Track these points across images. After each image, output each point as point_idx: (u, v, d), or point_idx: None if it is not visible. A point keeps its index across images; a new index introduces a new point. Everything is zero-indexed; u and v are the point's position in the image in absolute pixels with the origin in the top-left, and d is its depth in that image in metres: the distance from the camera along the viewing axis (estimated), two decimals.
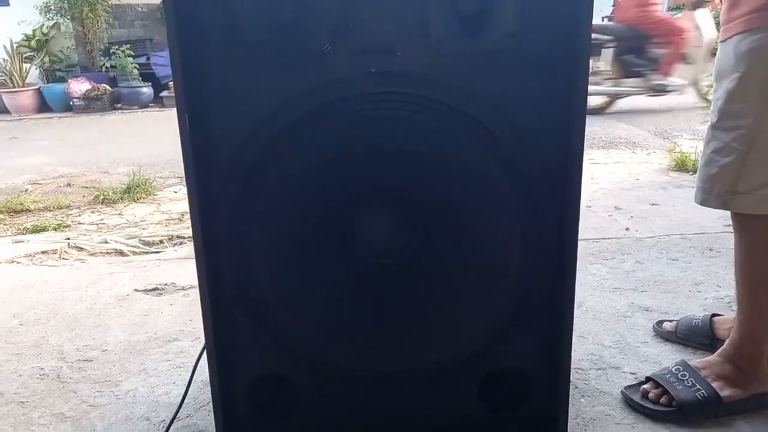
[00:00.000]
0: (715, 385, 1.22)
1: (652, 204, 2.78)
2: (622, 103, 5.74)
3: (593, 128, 4.77)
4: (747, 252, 1.17)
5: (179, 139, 0.84)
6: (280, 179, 0.86)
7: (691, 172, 3.31)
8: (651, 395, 1.25)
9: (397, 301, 0.92)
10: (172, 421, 1.21)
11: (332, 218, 0.88)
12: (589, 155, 3.93)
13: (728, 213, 1.16)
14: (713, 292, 1.82)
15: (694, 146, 3.64)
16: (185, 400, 1.26)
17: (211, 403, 1.31)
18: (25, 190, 3.66)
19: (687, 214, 2.56)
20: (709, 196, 1.11)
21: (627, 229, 2.44)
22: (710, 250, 2.16)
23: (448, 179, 0.87)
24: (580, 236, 2.31)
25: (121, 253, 2.41)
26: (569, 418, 1.07)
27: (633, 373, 1.38)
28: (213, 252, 0.89)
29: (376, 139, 0.85)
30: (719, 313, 1.52)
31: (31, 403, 1.35)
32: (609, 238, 2.33)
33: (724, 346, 1.28)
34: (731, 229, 1.19)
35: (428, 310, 0.94)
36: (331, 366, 0.95)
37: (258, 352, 0.96)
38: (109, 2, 7.78)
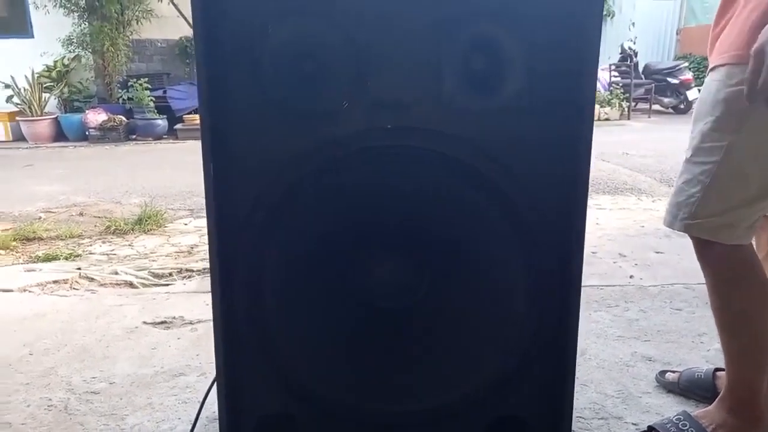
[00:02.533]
0: None
1: (657, 252, 2.80)
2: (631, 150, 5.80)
3: (599, 173, 4.83)
4: (714, 289, 1.23)
5: (203, 185, 0.89)
6: (296, 225, 0.91)
7: None
8: None
9: (405, 345, 0.95)
10: None
11: (345, 263, 0.92)
12: (595, 201, 3.97)
13: None
14: (716, 344, 1.81)
15: None
16: None
17: None
18: (38, 218, 3.72)
19: (691, 264, 2.54)
20: (675, 220, 1.21)
21: (631, 277, 2.45)
22: None
23: (457, 230, 0.91)
24: (584, 283, 2.31)
25: (131, 285, 2.45)
26: None
27: (635, 424, 1.39)
28: (229, 292, 0.93)
29: (389, 190, 0.90)
30: (722, 367, 1.53)
31: None
32: (613, 286, 2.35)
33: (721, 393, 1.29)
34: None
35: (434, 354, 0.97)
36: (338, 406, 0.97)
37: (268, 390, 0.99)
38: (130, 37, 8.02)
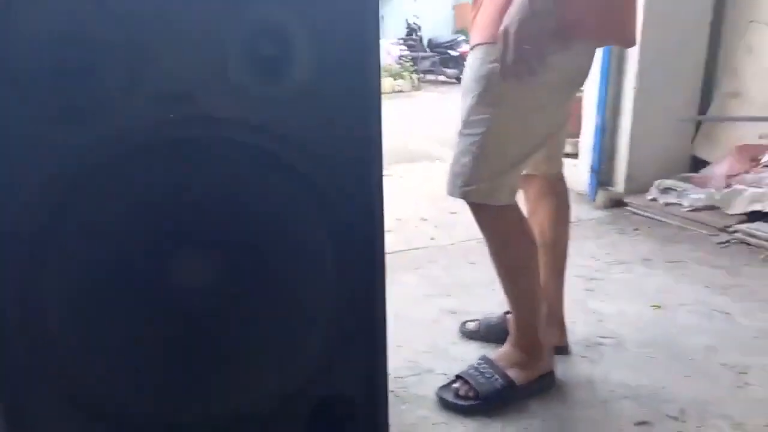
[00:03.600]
0: (509, 372, 1.40)
1: (452, 213, 3.05)
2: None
3: (396, 144, 5.10)
4: (490, 246, 1.39)
5: None
6: (79, 230, 0.79)
7: None
8: (461, 392, 1.39)
9: (212, 345, 0.90)
10: None
11: (138, 266, 0.83)
12: (395, 169, 4.20)
13: None
14: None
15: None
16: None
17: None
18: None
19: None
20: (453, 188, 1.33)
21: (432, 239, 2.66)
22: None
23: (255, 218, 0.88)
24: (392, 248, 2.42)
25: None
26: (392, 427, 1.14)
27: (445, 374, 1.52)
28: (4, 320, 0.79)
29: (183, 183, 0.83)
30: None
31: None
32: (418, 248, 2.52)
33: (509, 335, 1.47)
34: None
35: (245, 351, 0.93)
36: (145, 422, 0.89)
37: (58, 414, 0.87)
38: None
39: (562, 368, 1.53)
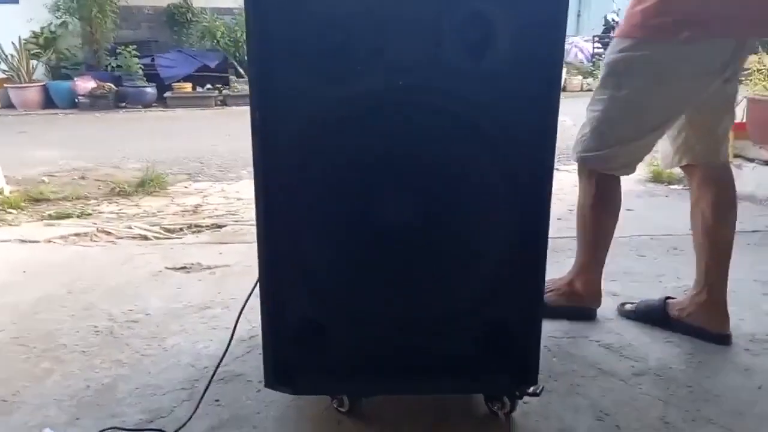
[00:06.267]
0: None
1: (628, 209, 3.03)
2: None
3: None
4: (582, 201, 1.73)
5: (250, 131, 1.10)
6: (324, 163, 1.13)
7: (665, 183, 3.61)
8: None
9: (412, 260, 1.18)
10: (218, 366, 1.44)
11: (361, 195, 1.15)
12: (573, 166, 4.21)
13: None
14: (673, 282, 2.09)
15: None
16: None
17: (245, 355, 1.57)
18: (42, 181, 3.87)
19: (658, 219, 2.85)
20: (574, 153, 1.67)
21: None
22: (675, 249, 2.44)
23: (454, 166, 1.14)
24: (561, 235, 2.55)
25: (145, 238, 2.65)
26: (542, 373, 1.32)
27: (597, 341, 1.65)
28: (270, 216, 1.14)
29: (399, 136, 1.12)
30: (672, 296, 1.80)
31: (92, 353, 1.60)
32: None
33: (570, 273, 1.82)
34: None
35: (433, 271, 1.21)
36: (358, 312, 1.21)
37: (300, 300, 1.21)
38: (117, 3, 8.00)
39: (721, 356, 1.58)
